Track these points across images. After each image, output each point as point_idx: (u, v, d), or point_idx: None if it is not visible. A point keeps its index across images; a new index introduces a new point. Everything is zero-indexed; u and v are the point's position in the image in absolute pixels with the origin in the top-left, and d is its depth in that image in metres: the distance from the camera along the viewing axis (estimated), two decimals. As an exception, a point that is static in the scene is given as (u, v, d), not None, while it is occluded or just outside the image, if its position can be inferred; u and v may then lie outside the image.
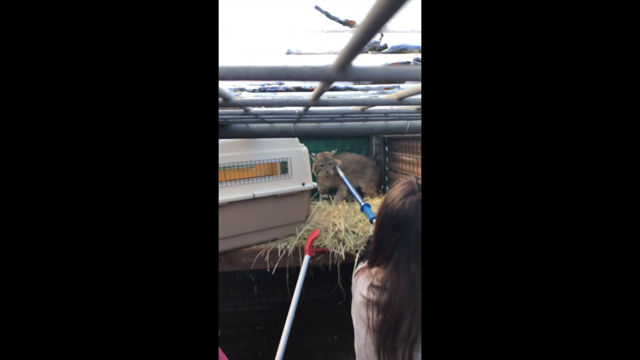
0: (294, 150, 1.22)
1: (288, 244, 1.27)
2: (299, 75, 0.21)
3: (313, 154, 1.69)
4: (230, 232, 1.13)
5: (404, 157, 1.68)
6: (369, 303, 0.67)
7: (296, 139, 1.25)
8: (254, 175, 1.16)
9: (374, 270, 0.69)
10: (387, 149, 1.89)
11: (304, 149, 1.28)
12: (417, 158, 1.55)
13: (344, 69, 0.20)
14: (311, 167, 1.40)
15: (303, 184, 1.23)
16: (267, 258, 1.24)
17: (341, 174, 1.56)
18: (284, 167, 1.21)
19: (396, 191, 0.70)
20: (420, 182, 0.71)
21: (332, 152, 1.67)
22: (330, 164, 1.62)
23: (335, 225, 1.31)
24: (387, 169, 1.90)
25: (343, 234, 1.27)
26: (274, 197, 1.19)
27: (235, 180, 1.12)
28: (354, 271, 0.81)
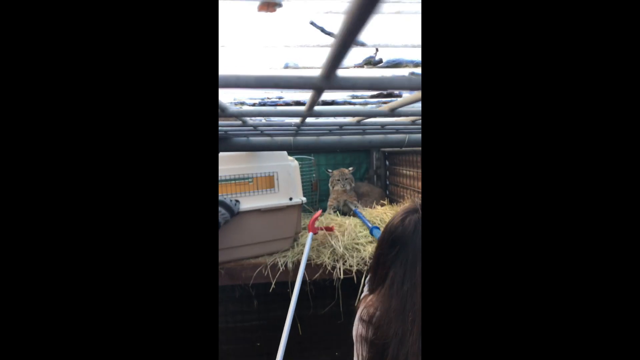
0: (281, 165, 1.22)
1: (288, 258, 1.26)
2: (286, 83, 0.22)
3: (330, 170, 1.78)
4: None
5: (404, 171, 1.68)
6: (362, 325, 0.67)
7: (284, 153, 1.25)
8: (238, 190, 1.16)
9: (370, 296, 0.70)
10: (387, 163, 1.90)
11: (294, 163, 1.28)
12: (417, 172, 1.56)
13: (329, 78, 0.21)
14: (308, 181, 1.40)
15: (290, 199, 1.22)
16: (267, 272, 1.23)
17: (352, 206, 1.63)
18: (270, 182, 1.21)
19: (400, 210, 0.71)
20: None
21: (350, 169, 1.75)
22: (346, 179, 1.69)
23: (333, 240, 1.31)
24: (387, 183, 1.91)
25: (341, 251, 1.26)
26: (258, 211, 1.18)
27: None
28: (359, 298, 0.80)
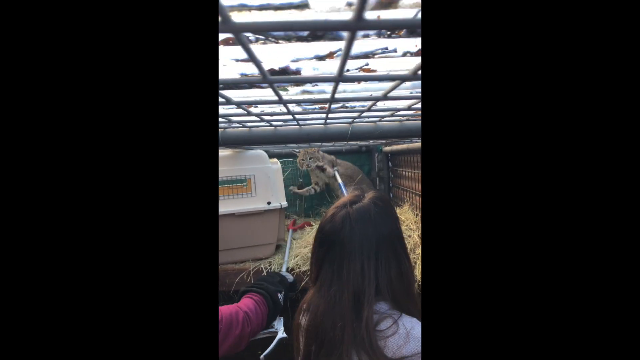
0: (259, 167, 1.16)
1: (271, 265, 1.22)
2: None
3: (296, 149, 1.69)
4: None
5: (405, 173, 1.58)
6: (297, 318, 0.65)
7: (264, 155, 1.19)
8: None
9: (309, 292, 0.66)
10: (390, 164, 1.79)
11: (275, 166, 1.22)
12: (418, 173, 1.45)
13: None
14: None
15: (268, 203, 1.16)
16: (250, 279, 1.19)
17: (339, 180, 1.53)
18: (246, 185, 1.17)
19: (333, 205, 0.67)
20: (361, 194, 0.67)
21: (316, 148, 1.64)
22: (310, 158, 1.59)
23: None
24: (390, 185, 1.80)
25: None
26: (232, 216, 1.13)
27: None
28: None
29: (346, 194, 1.32)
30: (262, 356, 0.87)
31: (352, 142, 1.67)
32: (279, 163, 1.27)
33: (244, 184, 1.16)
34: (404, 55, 0.32)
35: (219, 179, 1.13)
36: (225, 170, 1.13)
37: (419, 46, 0.31)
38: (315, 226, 1.45)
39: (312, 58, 0.32)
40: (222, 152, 1.16)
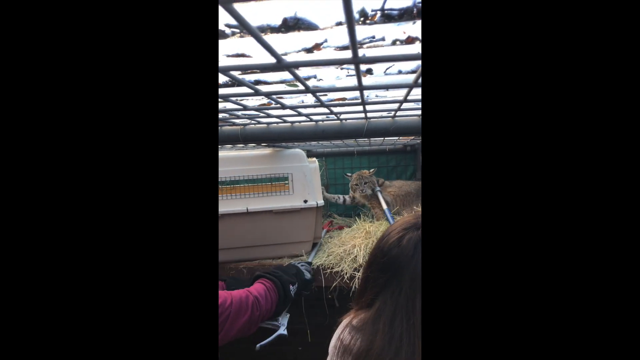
0: (297, 166, 1.18)
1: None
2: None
3: (349, 174, 1.66)
4: (222, 245, 1.15)
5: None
6: (339, 349, 0.56)
7: (302, 154, 1.20)
8: (250, 190, 1.17)
9: (359, 314, 0.57)
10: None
11: (313, 165, 1.23)
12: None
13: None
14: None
15: (305, 201, 1.16)
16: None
17: (384, 206, 1.44)
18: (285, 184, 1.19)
19: (397, 224, 0.58)
20: None
21: (371, 170, 1.59)
22: (365, 184, 1.54)
23: (355, 246, 1.22)
24: (436, 188, 1.70)
25: (361, 258, 1.17)
26: (271, 212, 1.15)
27: (231, 194, 1.15)
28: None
29: (392, 222, 1.26)
30: (257, 346, 0.86)
31: (394, 141, 1.61)
32: (316, 162, 1.28)
33: (286, 182, 1.19)
34: (393, 43, 0.30)
35: (259, 177, 1.17)
36: (266, 168, 1.16)
37: (407, 33, 0.29)
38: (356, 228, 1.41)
39: (300, 51, 0.31)
40: (263, 151, 1.20)
